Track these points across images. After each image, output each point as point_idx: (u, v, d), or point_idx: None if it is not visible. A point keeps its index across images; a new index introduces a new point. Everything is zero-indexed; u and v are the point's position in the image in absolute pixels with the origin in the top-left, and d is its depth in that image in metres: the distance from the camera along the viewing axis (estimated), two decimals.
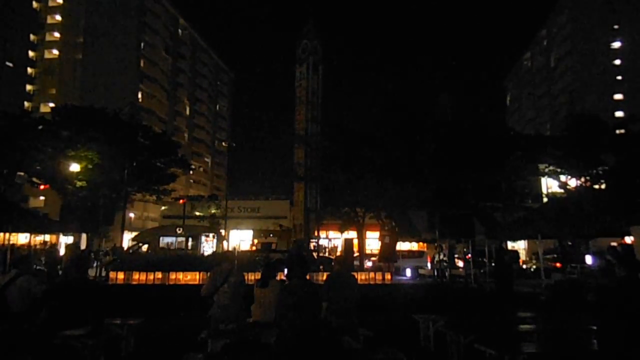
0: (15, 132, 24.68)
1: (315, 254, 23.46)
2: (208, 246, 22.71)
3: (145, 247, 20.84)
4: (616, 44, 61.80)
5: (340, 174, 23.52)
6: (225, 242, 26.19)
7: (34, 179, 28.57)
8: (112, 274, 15.93)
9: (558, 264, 20.74)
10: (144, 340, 7.30)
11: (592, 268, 17.78)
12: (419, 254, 25.42)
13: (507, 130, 30.69)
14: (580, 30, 62.16)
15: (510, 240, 26.62)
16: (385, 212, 24.49)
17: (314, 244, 25.23)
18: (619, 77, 60.27)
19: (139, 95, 58.75)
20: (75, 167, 24.26)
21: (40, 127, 26.64)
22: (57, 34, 61.51)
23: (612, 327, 3.51)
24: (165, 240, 21.78)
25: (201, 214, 39.62)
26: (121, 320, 6.83)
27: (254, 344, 5.08)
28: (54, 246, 22.40)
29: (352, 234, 28.46)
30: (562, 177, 29.00)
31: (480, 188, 23.39)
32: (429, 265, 22.77)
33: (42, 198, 46.06)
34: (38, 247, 26.02)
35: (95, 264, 18.38)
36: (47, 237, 29.77)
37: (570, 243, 22.48)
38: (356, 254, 24.84)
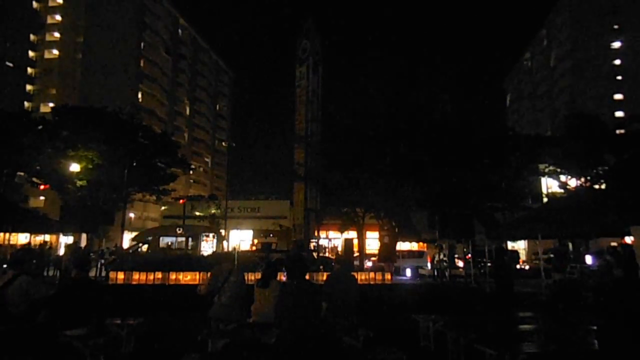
0: (15, 132, 24.70)
1: (315, 254, 23.45)
2: (208, 246, 22.71)
3: (145, 247, 20.84)
4: (616, 44, 61.78)
5: (340, 174, 23.50)
6: (225, 242, 26.18)
7: (34, 179, 28.60)
8: (112, 274, 15.92)
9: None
10: (144, 340, 7.30)
11: (591, 268, 17.78)
12: (419, 254, 25.44)
13: (507, 130, 30.73)
14: (580, 30, 62.12)
15: (510, 240, 26.65)
16: (385, 212, 24.50)
17: (314, 244, 25.21)
18: (619, 77, 60.26)
19: (139, 95, 58.75)
20: (75, 167, 24.27)
21: (40, 127, 26.66)
22: (57, 34, 61.58)
23: (611, 327, 3.51)
24: (165, 240, 21.77)
25: (201, 214, 39.63)
26: (121, 320, 6.83)
27: (254, 344, 5.08)
28: (44, 245, 22.36)
29: (352, 234, 28.48)
30: (562, 177, 29.02)
31: (480, 188, 23.40)
32: (429, 265, 22.79)
33: (42, 198, 46.12)
34: (38, 247, 26.02)
35: (99, 263, 18.44)
36: (47, 237, 29.78)
37: (570, 243, 22.47)
38: (356, 254, 24.85)
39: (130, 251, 20.97)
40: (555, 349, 5.64)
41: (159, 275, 15.85)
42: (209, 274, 6.24)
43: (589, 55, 60.66)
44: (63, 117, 27.59)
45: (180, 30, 70.17)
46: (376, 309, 9.81)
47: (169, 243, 21.73)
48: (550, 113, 68.02)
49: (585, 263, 19.38)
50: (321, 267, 19.05)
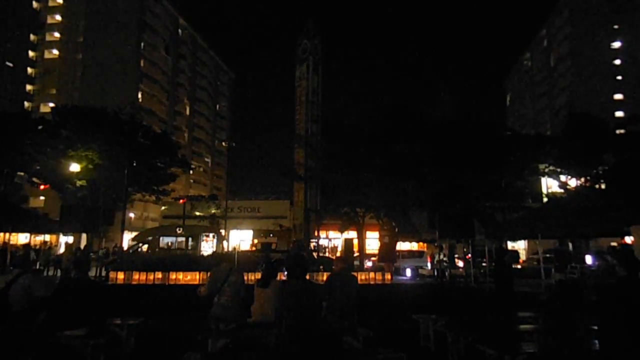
0: (15, 132, 24.69)
1: (315, 254, 23.43)
2: (208, 246, 22.70)
3: (145, 247, 20.84)
4: (616, 44, 61.76)
5: (340, 174, 23.49)
6: (225, 242, 26.17)
7: (34, 179, 28.61)
8: (112, 274, 15.93)
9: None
10: (144, 340, 7.30)
11: (592, 268, 17.78)
12: (419, 254, 25.42)
13: (507, 130, 30.71)
14: (580, 30, 62.11)
15: (510, 240, 26.64)
16: (385, 212, 24.50)
17: (314, 244, 25.18)
18: (619, 77, 60.24)
19: (139, 95, 58.69)
20: (75, 167, 24.26)
21: (40, 127, 26.65)
22: (57, 34, 61.56)
23: (612, 326, 3.51)
24: (165, 240, 21.77)
25: (201, 214, 39.61)
26: (121, 320, 6.83)
27: (254, 344, 5.08)
28: (44, 245, 22.39)
29: (352, 234, 28.45)
30: (562, 177, 29.00)
31: (480, 188, 23.40)
32: (429, 265, 22.78)
33: (42, 198, 46.09)
34: (38, 246, 26.06)
35: (99, 264, 18.44)
36: (47, 237, 29.80)
37: (570, 243, 22.48)
38: (356, 254, 24.84)
39: (130, 251, 20.98)
40: (555, 349, 5.64)
41: (159, 275, 15.87)
42: (208, 274, 6.24)
43: (589, 55, 60.64)
44: (63, 117, 27.57)
45: (180, 30, 70.13)
46: (376, 309, 9.81)
47: (169, 243, 21.72)
48: (550, 113, 68.02)
49: (585, 263, 19.39)
50: (321, 267, 19.04)
